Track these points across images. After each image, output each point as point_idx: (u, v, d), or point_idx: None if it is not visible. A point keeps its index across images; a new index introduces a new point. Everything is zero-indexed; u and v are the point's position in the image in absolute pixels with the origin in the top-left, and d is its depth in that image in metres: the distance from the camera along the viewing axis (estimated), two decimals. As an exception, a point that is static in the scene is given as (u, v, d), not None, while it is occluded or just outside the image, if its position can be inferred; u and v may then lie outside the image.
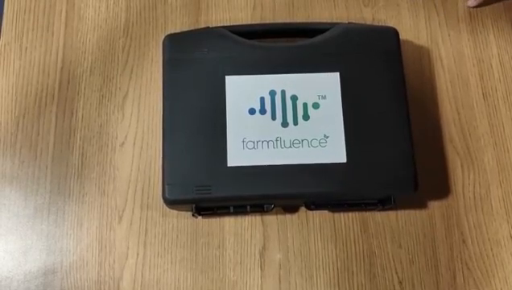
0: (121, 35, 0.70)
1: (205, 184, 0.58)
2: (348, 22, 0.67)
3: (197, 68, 0.61)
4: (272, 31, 0.66)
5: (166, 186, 0.58)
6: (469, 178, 0.65)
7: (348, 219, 0.64)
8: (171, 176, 0.58)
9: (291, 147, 0.59)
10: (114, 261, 0.62)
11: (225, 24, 0.69)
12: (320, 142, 0.59)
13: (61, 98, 0.67)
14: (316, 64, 0.61)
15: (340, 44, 0.62)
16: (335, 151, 0.59)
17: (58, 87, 0.68)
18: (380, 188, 0.59)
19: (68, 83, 0.68)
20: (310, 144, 0.59)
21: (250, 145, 0.59)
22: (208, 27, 0.66)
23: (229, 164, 0.58)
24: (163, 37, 0.64)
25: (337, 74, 0.61)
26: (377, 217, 0.64)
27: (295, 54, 0.62)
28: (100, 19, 0.70)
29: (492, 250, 0.63)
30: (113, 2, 0.71)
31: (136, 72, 0.68)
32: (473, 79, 0.69)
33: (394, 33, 0.64)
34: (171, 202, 0.59)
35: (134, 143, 0.66)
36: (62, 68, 0.68)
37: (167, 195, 0.58)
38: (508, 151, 0.66)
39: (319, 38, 0.63)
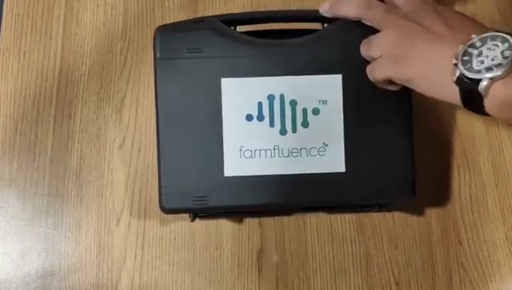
0: (119, 39, 0.70)
1: (202, 194, 0.57)
2: None
3: (191, 69, 0.57)
4: (273, 18, 0.61)
5: (163, 196, 0.57)
6: (465, 179, 0.65)
7: (345, 220, 0.64)
8: (167, 186, 0.57)
9: (289, 156, 0.57)
10: (112, 263, 0.63)
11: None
12: (318, 151, 0.57)
13: (59, 102, 0.68)
14: (318, 65, 0.57)
15: (344, 43, 0.57)
16: (334, 161, 0.57)
17: (56, 90, 0.68)
18: (378, 195, 0.58)
19: (67, 86, 0.68)
20: (308, 153, 0.57)
21: (248, 154, 0.57)
22: (203, 19, 0.60)
23: (225, 174, 0.57)
24: (154, 30, 0.59)
25: (339, 76, 0.57)
26: (373, 219, 0.64)
27: (295, 53, 0.58)
28: (98, 23, 0.70)
29: (488, 251, 0.63)
30: (111, 7, 0.71)
31: (134, 76, 0.69)
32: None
33: None
34: (168, 211, 0.58)
35: (132, 146, 0.66)
36: (60, 71, 0.69)
37: (164, 204, 0.57)
38: (503, 153, 0.66)
39: (321, 33, 0.59)
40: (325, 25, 0.61)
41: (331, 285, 0.62)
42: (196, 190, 0.57)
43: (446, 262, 0.63)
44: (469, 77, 0.44)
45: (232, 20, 0.60)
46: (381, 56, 0.52)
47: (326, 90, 0.57)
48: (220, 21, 0.59)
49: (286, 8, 0.72)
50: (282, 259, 0.63)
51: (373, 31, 0.54)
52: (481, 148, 0.66)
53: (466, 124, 0.67)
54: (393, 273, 0.62)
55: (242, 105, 0.57)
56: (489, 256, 0.63)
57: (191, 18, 0.68)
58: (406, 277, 0.62)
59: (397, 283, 0.62)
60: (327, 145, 0.57)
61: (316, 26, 0.61)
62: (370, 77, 0.55)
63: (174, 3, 0.72)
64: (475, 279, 0.62)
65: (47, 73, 0.69)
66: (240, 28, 0.61)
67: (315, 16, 0.59)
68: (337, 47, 0.57)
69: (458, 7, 0.72)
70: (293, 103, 0.57)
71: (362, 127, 0.57)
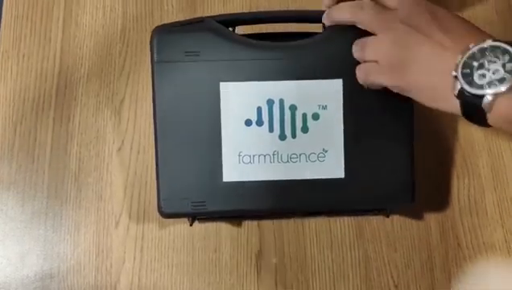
0: (118, 41, 0.70)
1: (201, 199, 0.56)
2: None
3: (189, 72, 0.57)
4: (273, 19, 0.61)
5: (161, 200, 0.57)
6: (464, 182, 0.65)
7: (344, 224, 0.64)
8: (165, 192, 0.57)
9: (288, 161, 0.56)
10: (111, 265, 0.63)
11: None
12: (318, 157, 0.56)
13: (58, 104, 0.68)
14: (318, 70, 0.56)
15: (345, 46, 0.55)
16: (333, 166, 0.56)
17: (55, 93, 0.68)
18: (377, 201, 0.58)
19: (65, 88, 0.68)
20: (308, 159, 0.56)
21: (246, 159, 0.57)
22: (202, 19, 0.59)
23: (224, 179, 0.56)
24: (151, 31, 0.58)
25: (340, 81, 0.56)
26: (372, 222, 0.64)
27: (295, 57, 0.56)
28: (97, 25, 0.70)
29: (487, 253, 0.63)
30: (110, 9, 0.71)
31: (133, 78, 0.69)
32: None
33: None
34: (167, 215, 0.58)
35: (131, 148, 0.66)
36: (59, 73, 0.69)
37: (162, 209, 0.57)
38: (502, 156, 0.66)
39: (321, 36, 0.57)
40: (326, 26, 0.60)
41: (330, 288, 0.62)
42: (195, 195, 0.56)
43: (445, 264, 0.63)
44: (471, 93, 0.43)
45: (231, 20, 0.59)
46: (376, 62, 0.51)
47: (326, 95, 0.56)
48: (219, 21, 0.58)
49: (285, 9, 0.72)
50: (281, 262, 0.63)
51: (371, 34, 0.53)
52: (480, 152, 0.66)
53: (465, 127, 0.67)
54: (392, 276, 0.63)
55: (241, 110, 0.57)
56: (487, 259, 0.63)
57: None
58: (405, 280, 0.62)
59: (396, 286, 0.62)
60: (326, 151, 0.57)
61: (317, 28, 0.61)
62: (361, 79, 0.53)
63: (173, 6, 0.72)
64: (474, 282, 0.62)
65: (46, 75, 0.69)
66: (239, 31, 0.60)
67: (315, 17, 0.59)
68: (338, 50, 0.56)
69: (456, 9, 0.72)
70: (292, 108, 0.57)
71: (362, 133, 0.56)
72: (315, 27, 0.61)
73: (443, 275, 0.63)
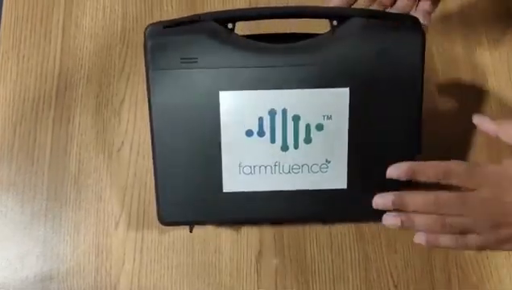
0: (118, 42, 0.70)
1: (200, 209, 0.56)
2: (368, 9, 0.57)
3: (187, 81, 0.53)
4: (274, 14, 0.57)
5: (161, 209, 0.56)
6: (464, 183, 0.66)
7: (344, 225, 0.64)
8: (165, 201, 0.56)
9: (289, 172, 0.55)
10: (111, 267, 0.63)
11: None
12: (320, 168, 0.54)
13: (58, 105, 0.68)
14: (324, 78, 0.53)
15: (353, 53, 0.53)
16: (336, 177, 0.55)
17: (55, 94, 0.68)
18: (378, 212, 0.54)
19: (65, 90, 0.68)
20: (310, 169, 0.54)
21: (247, 170, 0.55)
22: (199, 17, 0.55)
23: (224, 190, 0.55)
24: (144, 31, 0.55)
25: (347, 90, 0.53)
26: (372, 223, 0.64)
27: (300, 64, 0.53)
28: (97, 27, 0.71)
29: (486, 253, 0.63)
30: (110, 10, 0.71)
31: (133, 79, 0.69)
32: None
33: (418, 33, 0.53)
34: (167, 224, 0.58)
35: (131, 149, 0.66)
36: (59, 75, 0.69)
37: (162, 217, 0.56)
38: (502, 156, 0.66)
39: (326, 38, 0.54)
40: (334, 22, 0.55)
41: (330, 289, 0.62)
42: (194, 205, 0.56)
43: (445, 265, 0.63)
44: None
45: (229, 18, 0.55)
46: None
47: (332, 105, 0.53)
48: (217, 19, 0.54)
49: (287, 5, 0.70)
50: (281, 263, 0.63)
51: (391, 36, 0.52)
52: (480, 153, 0.66)
53: (467, 131, 0.67)
54: (391, 277, 0.62)
55: (242, 121, 0.54)
56: (487, 259, 0.63)
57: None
58: (405, 280, 0.62)
59: (396, 287, 0.62)
60: (329, 161, 0.55)
61: (320, 28, 0.58)
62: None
63: (172, 7, 0.72)
64: (473, 282, 0.62)
65: (46, 76, 0.69)
66: (239, 32, 0.58)
67: (320, 12, 0.56)
68: (345, 57, 0.53)
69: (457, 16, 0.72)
70: (296, 118, 0.54)
71: (367, 144, 0.54)
72: (318, 28, 0.59)
73: (443, 275, 0.63)
